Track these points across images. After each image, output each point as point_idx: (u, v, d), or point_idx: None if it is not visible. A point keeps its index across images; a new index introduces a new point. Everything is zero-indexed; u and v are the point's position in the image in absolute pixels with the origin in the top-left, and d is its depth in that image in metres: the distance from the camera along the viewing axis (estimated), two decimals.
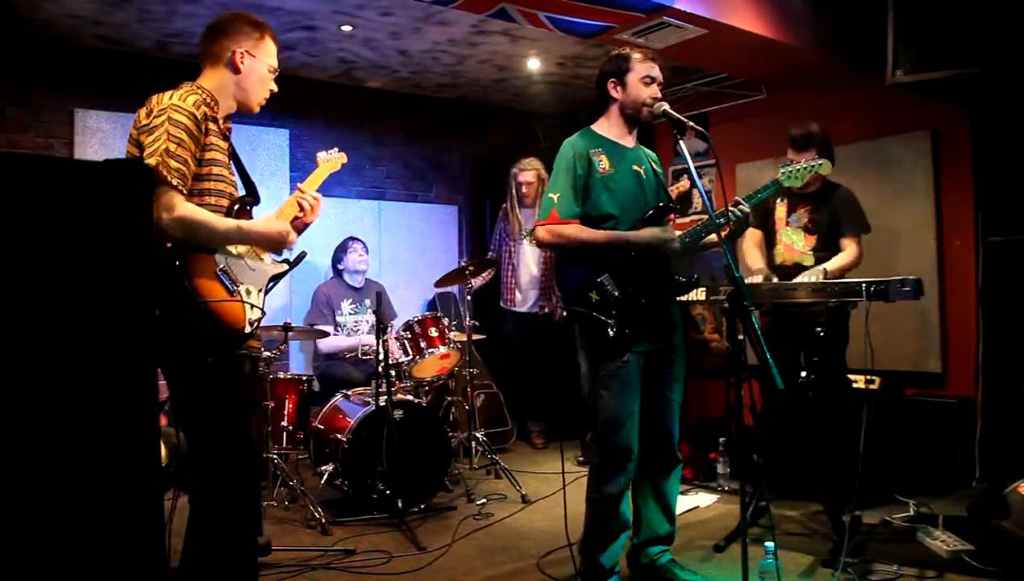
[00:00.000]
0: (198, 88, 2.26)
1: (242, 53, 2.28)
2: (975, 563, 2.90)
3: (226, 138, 2.33)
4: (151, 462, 1.36)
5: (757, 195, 2.80)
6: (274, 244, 2.31)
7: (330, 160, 2.73)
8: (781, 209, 3.77)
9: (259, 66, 2.31)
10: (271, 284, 2.40)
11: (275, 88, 2.39)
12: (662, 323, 2.75)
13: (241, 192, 2.38)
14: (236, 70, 2.29)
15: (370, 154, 5.75)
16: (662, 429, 2.79)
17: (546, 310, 5.28)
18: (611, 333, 2.61)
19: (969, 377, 4.32)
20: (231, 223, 2.18)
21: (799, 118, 3.75)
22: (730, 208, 2.65)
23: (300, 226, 2.47)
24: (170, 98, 2.16)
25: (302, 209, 2.45)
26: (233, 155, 2.39)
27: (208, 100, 2.24)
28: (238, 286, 2.22)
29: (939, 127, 4.45)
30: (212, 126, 2.23)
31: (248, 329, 2.19)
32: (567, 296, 2.75)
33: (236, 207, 2.29)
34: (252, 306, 2.23)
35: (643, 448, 2.81)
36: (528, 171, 5.23)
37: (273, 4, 4.06)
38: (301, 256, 2.51)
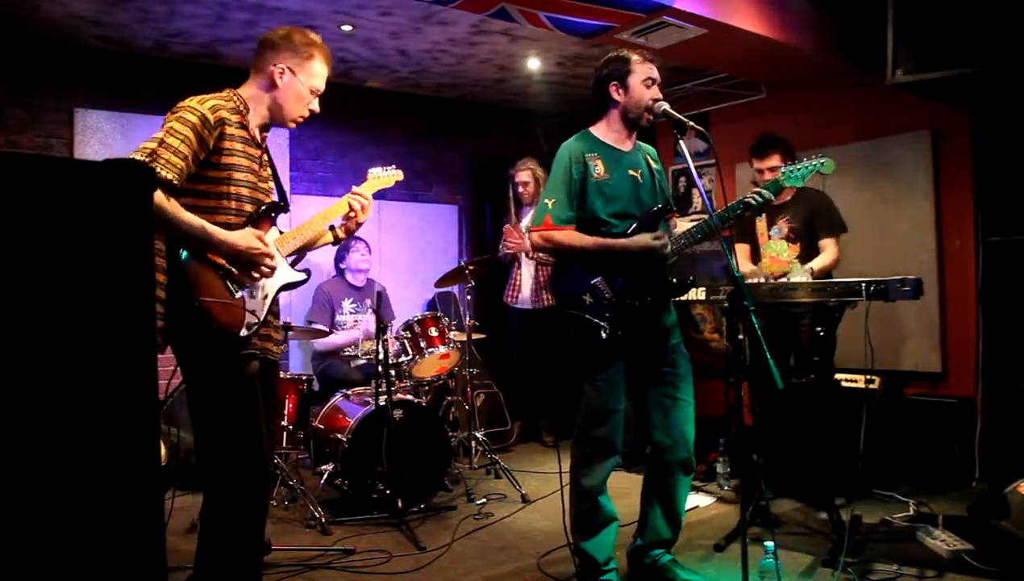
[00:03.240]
0: (233, 95, 2.30)
1: (282, 69, 2.31)
2: (975, 563, 2.90)
3: (259, 146, 2.35)
4: (151, 462, 1.36)
5: (763, 192, 2.70)
6: (236, 257, 2.19)
7: (382, 177, 2.74)
8: (761, 223, 3.81)
9: (297, 85, 2.33)
10: (283, 291, 2.40)
11: (316, 109, 2.41)
12: (656, 325, 2.74)
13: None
14: (273, 85, 2.32)
15: (370, 154, 5.75)
16: (676, 432, 2.75)
17: (539, 306, 5.29)
18: (604, 335, 2.61)
19: (969, 377, 4.32)
20: (196, 223, 2.11)
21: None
22: (750, 194, 2.66)
23: (353, 227, 2.55)
24: (191, 101, 2.18)
25: (352, 210, 2.50)
26: (269, 163, 2.42)
27: (238, 107, 2.28)
28: (242, 289, 2.23)
29: (939, 127, 4.45)
30: (235, 132, 2.24)
31: (245, 332, 2.20)
32: (562, 298, 2.74)
33: (260, 211, 2.30)
34: (251, 311, 2.23)
35: (656, 452, 2.80)
36: (523, 171, 5.26)
37: (273, 4, 4.06)
38: (299, 258, 2.52)
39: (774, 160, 3.68)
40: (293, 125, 2.41)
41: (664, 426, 2.76)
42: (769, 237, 3.79)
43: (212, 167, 2.19)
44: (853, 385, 3.85)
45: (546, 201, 2.71)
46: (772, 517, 3.14)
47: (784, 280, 3.42)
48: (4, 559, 1.18)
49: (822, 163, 2.84)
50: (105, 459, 1.27)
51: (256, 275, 2.25)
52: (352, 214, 2.52)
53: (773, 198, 2.71)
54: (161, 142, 2.08)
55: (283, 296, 2.48)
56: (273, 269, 2.27)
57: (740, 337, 2.29)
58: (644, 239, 2.65)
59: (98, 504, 1.26)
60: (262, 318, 2.28)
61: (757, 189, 2.70)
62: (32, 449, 1.21)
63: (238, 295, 2.22)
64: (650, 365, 2.74)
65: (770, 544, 2.43)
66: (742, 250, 3.93)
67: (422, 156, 6.03)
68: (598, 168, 2.71)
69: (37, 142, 4.53)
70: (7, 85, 4.45)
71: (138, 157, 2.05)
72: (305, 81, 2.34)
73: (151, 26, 4.33)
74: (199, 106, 2.15)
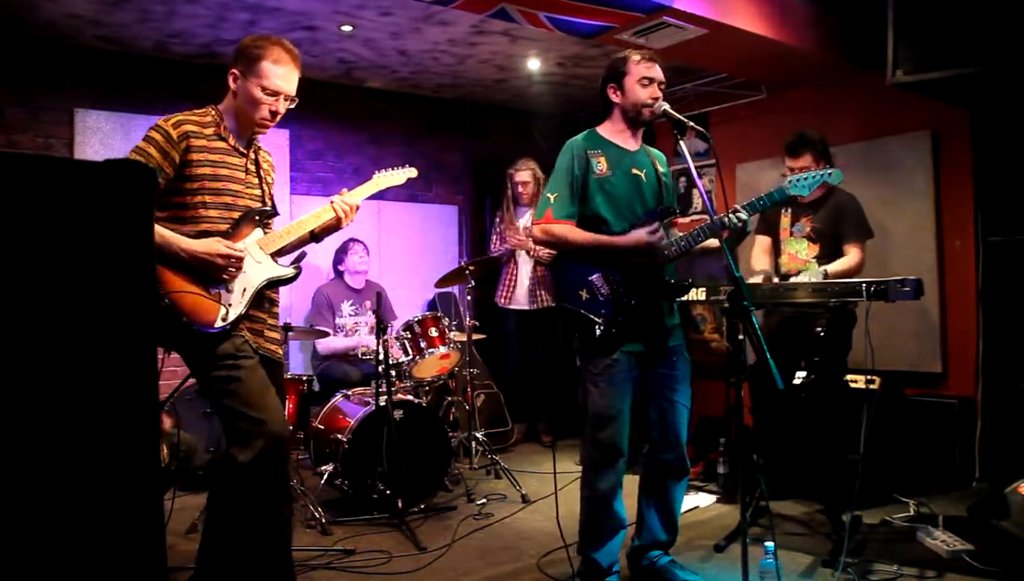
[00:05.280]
0: (211, 109, 2.38)
1: (235, 75, 2.37)
2: (975, 563, 2.89)
3: (243, 154, 2.41)
4: (151, 462, 1.36)
5: (760, 202, 2.69)
6: (195, 263, 2.24)
7: (387, 177, 2.74)
8: (785, 219, 3.78)
9: (247, 88, 2.35)
10: (269, 287, 2.43)
11: (278, 109, 2.39)
12: (653, 325, 2.74)
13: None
14: (233, 92, 2.39)
15: (370, 154, 5.75)
16: (669, 433, 2.77)
17: (536, 307, 5.29)
18: (598, 331, 2.62)
19: (969, 377, 4.32)
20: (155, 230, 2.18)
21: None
22: (728, 214, 2.61)
23: (332, 228, 2.58)
24: (160, 120, 2.29)
25: (336, 216, 2.53)
26: (257, 170, 2.47)
27: (215, 120, 2.36)
28: (216, 286, 2.28)
29: (939, 127, 4.45)
30: (208, 143, 2.32)
31: (219, 324, 2.25)
32: (559, 293, 2.75)
33: (243, 218, 2.36)
34: (227, 306, 2.28)
35: (652, 452, 2.81)
36: (524, 171, 5.28)
37: (273, 4, 4.06)
38: (300, 257, 2.53)
39: (806, 160, 3.63)
40: (262, 130, 2.43)
41: (658, 427, 2.77)
42: (792, 234, 3.77)
43: (185, 179, 2.28)
44: (853, 385, 3.85)
45: (548, 195, 2.74)
46: (772, 517, 3.14)
47: (796, 279, 3.41)
48: (5, 559, 1.18)
49: (829, 173, 2.77)
50: (105, 459, 1.27)
51: (223, 276, 2.30)
52: (334, 221, 2.55)
53: (748, 225, 2.68)
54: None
55: (283, 298, 2.49)
56: (239, 269, 2.32)
57: (740, 337, 2.28)
58: (638, 235, 2.66)
59: (98, 504, 1.26)
60: (240, 312, 2.31)
61: (738, 211, 2.63)
62: (33, 449, 1.21)
63: (213, 291, 2.28)
64: (649, 365, 2.74)
65: (770, 544, 2.43)
66: (762, 243, 3.87)
67: (422, 156, 6.02)
68: (600, 165, 2.71)
69: (37, 142, 4.53)
70: (7, 85, 4.45)
71: None
72: (255, 82, 2.34)
73: (151, 26, 4.33)
74: (164, 124, 2.27)
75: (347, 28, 4.43)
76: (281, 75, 2.36)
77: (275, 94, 2.36)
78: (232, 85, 2.36)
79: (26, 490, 1.21)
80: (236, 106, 2.39)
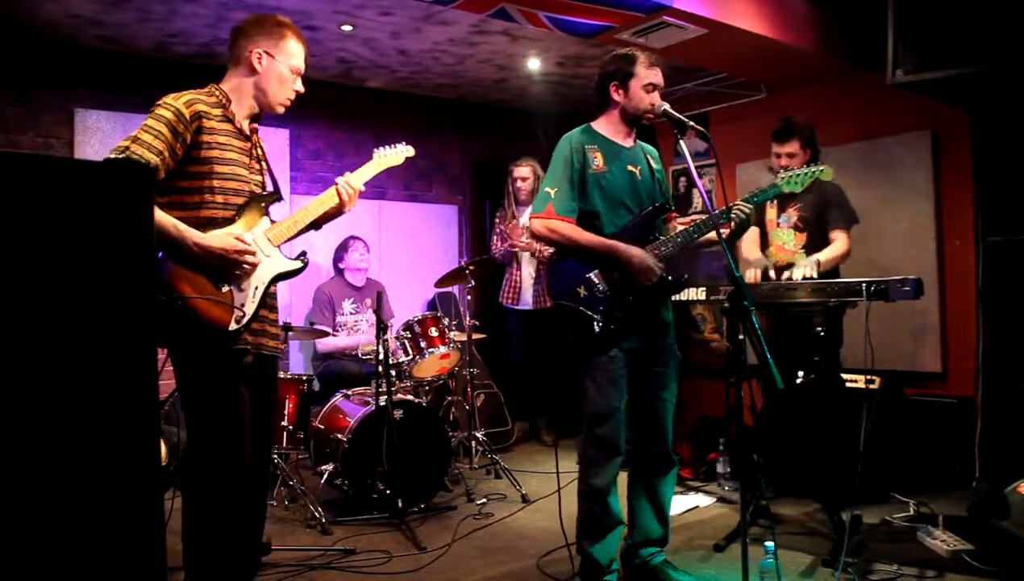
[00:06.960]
0: (213, 89, 2.30)
1: (259, 54, 2.31)
2: (975, 563, 2.89)
3: (247, 138, 2.36)
4: (151, 462, 1.36)
5: (755, 198, 2.80)
6: (209, 259, 2.15)
7: (387, 155, 2.72)
8: (771, 211, 3.79)
9: (276, 67, 2.33)
10: (277, 281, 2.38)
11: (300, 89, 2.40)
12: (650, 322, 2.74)
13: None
14: (253, 71, 2.32)
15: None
16: (657, 429, 2.78)
17: (540, 307, 5.29)
18: (596, 328, 2.62)
19: (969, 377, 4.32)
20: (169, 222, 2.10)
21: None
22: (735, 207, 2.67)
23: (333, 214, 2.56)
24: (167, 97, 2.20)
25: (340, 198, 2.51)
26: (262, 155, 2.43)
27: (220, 100, 2.28)
28: (228, 283, 2.21)
29: (939, 127, 4.45)
30: (217, 125, 2.24)
31: (234, 326, 2.18)
32: (555, 289, 2.75)
33: (247, 203, 2.29)
34: (240, 305, 2.20)
35: (640, 448, 2.81)
36: (524, 167, 5.27)
37: (273, 4, 4.06)
38: (300, 255, 2.52)
39: (793, 146, 3.64)
40: (281, 109, 2.41)
41: (646, 423, 2.78)
42: (778, 225, 3.78)
43: (193, 161, 2.19)
44: (853, 385, 3.85)
45: (548, 190, 2.69)
46: (772, 517, 3.14)
47: (787, 274, 3.41)
48: (5, 559, 1.18)
49: (821, 169, 2.87)
50: (105, 459, 1.27)
51: (237, 273, 2.22)
52: (337, 206, 2.52)
53: (750, 217, 2.75)
54: (135, 139, 2.12)
55: (282, 296, 2.47)
56: (254, 265, 2.25)
57: (740, 337, 2.29)
58: (643, 257, 2.62)
59: (98, 504, 1.26)
60: (252, 311, 2.24)
61: (740, 205, 2.72)
62: (33, 449, 1.21)
63: (224, 290, 2.20)
64: (644, 362, 2.74)
65: (770, 544, 2.42)
66: (751, 233, 3.88)
67: (422, 156, 6.02)
68: (596, 160, 2.71)
69: (37, 142, 4.53)
70: (7, 85, 4.45)
71: (112, 155, 2.07)
72: (284, 61, 2.33)
73: (151, 26, 4.33)
74: (174, 101, 2.17)
75: (347, 28, 4.43)
76: (302, 55, 2.39)
77: (298, 73, 2.38)
78: (258, 65, 2.29)
79: (26, 490, 1.21)
80: (256, 85, 2.32)
